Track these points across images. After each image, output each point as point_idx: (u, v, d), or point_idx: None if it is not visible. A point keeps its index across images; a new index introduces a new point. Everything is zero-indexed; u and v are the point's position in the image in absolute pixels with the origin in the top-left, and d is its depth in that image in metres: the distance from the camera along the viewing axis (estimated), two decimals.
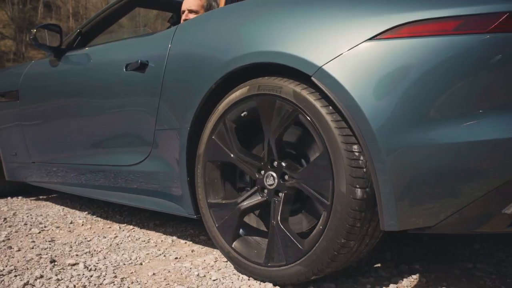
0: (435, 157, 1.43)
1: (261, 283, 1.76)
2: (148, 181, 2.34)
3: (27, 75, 3.24)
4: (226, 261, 2.03)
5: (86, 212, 3.01)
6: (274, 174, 1.75)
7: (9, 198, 3.57)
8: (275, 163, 1.75)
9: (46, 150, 3.05)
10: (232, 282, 1.78)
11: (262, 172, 1.79)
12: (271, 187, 1.76)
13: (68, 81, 2.88)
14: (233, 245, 1.84)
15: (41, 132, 3.05)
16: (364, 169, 1.50)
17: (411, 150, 1.44)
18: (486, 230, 1.53)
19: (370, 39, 1.50)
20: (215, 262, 2.03)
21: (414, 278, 1.83)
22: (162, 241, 2.39)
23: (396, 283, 1.78)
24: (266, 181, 1.77)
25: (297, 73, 1.63)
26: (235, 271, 1.90)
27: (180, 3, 2.91)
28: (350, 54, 1.52)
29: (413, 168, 1.44)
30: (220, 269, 1.94)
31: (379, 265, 1.99)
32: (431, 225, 1.48)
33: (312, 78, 1.57)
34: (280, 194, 1.73)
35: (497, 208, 1.43)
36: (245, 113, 1.83)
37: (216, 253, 2.15)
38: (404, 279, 1.82)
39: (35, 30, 3.03)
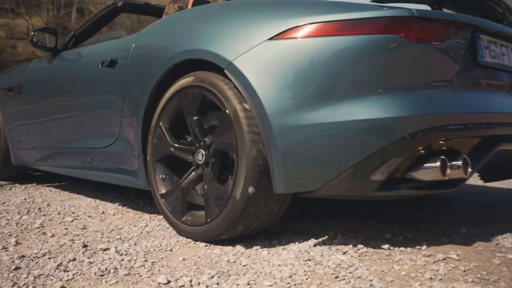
0: (313, 134, 1.83)
1: (292, 267, 1.74)
2: (116, 160, 2.76)
3: (29, 72, 3.75)
4: (257, 249, 2.01)
5: (117, 204, 3.05)
6: (203, 151, 2.16)
7: (43, 190, 3.63)
8: (201, 142, 2.17)
9: (42, 136, 3.49)
10: (263, 268, 1.76)
11: (195, 154, 2.20)
12: (201, 162, 2.16)
13: (59, 77, 3.40)
14: (182, 219, 2.22)
15: (38, 121, 3.51)
16: (260, 145, 1.91)
17: (295, 129, 1.84)
18: (359, 194, 1.90)
19: (269, 39, 1.92)
20: (245, 249, 2.01)
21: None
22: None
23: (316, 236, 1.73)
24: (197, 158, 2.18)
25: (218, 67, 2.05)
26: (265, 257, 1.88)
27: (162, 9, 3.58)
28: (253, 51, 1.95)
29: (297, 143, 1.84)
30: (250, 255, 1.92)
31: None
32: (314, 189, 1.88)
33: (225, 70, 2.01)
34: (209, 163, 2.12)
35: (365, 175, 1.81)
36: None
37: (246, 241, 2.14)
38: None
39: (33, 33, 3.57)
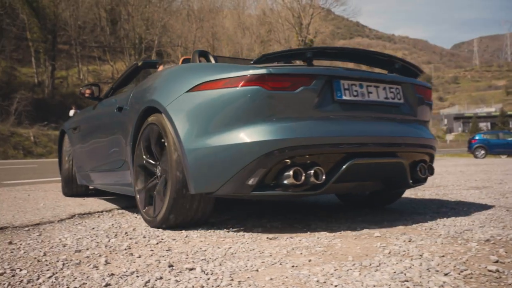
0: (209, 153, 2.69)
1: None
2: (123, 178, 3.74)
3: (85, 114, 5.12)
4: (347, 269, 1.90)
5: (200, 228, 3.04)
6: (159, 167, 3.14)
7: (128, 217, 3.73)
8: (159, 161, 3.15)
9: (89, 162, 4.66)
10: None
11: (156, 168, 3.19)
12: (158, 174, 3.14)
13: (96, 118, 4.65)
14: (143, 210, 3.25)
15: (86, 150, 4.74)
16: (181, 159, 2.80)
17: (198, 150, 2.72)
18: (242, 194, 2.70)
19: (186, 91, 2.85)
20: (335, 270, 1.90)
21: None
22: (276, 252, 2.31)
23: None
24: (157, 171, 3.17)
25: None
26: (357, 278, 1.76)
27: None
28: (177, 100, 2.88)
29: (199, 159, 2.72)
30: (341, 276, 1.81)
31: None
32: (213, 191, 2.74)
33: (162, 114, 2.99)
34: (162, 176, 3.05)
35: (243, 181, 2.63)
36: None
37: (336, 263, 2.02)
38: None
39: (81, 88, 4.79)
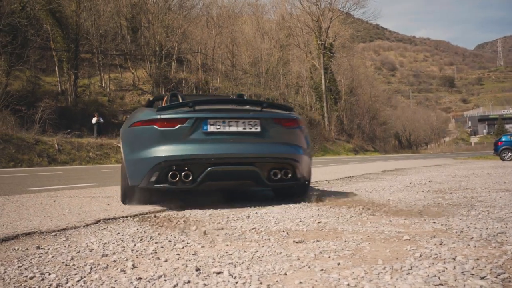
0: (134, 162, 4.38)
1: None
2: None
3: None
4: (378, 273, 1.85)
5: (225, 233, 3.02)
6: None
7: (152, 221, 3.74)
8: None
9: None
10: None
11: None
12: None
13: None
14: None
15: None
16: (124, 165, 4.61)
17: (130, 160, 4.43)
18: (150, 186, 4.30)
19: (129, 126, 4.59)
20: (365, 274, 1.86)
21: None
22: (304, 255, 2.27)
23: None
24: None
25: None
26: (389, 282, 1.71)
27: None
28: (126, 129, 4.72)
29: (130, 165, 4.42)
30: (372, 279, 1.77)
31: None
32: (137, 184, 4.36)
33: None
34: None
35: (149, 178, 4.26)
36: None
37: (365, 266, 1.98)
38: None
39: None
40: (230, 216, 3.78)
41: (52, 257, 2.40)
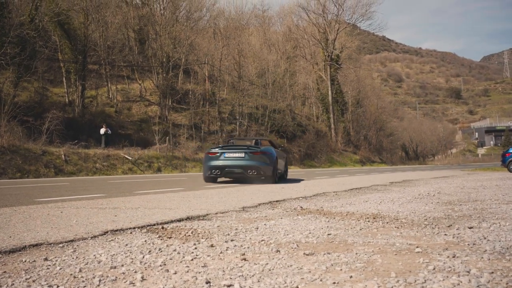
0: (204, 166, 12.05)
1: None
2: None
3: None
4: (391, 287, 1.81)
5: (234, 245, 2.99)
6: None
7: (160, 232, 3.72)
8: None
9: None
10: None
11: None
12: None
13: None
14: None
15: None
16: None
17: (204, 166, 12.11)
18: (210, 175, 11.71)
19: (205, 153, 12.65)
20: (378, 287, 1.82)
21: None
22: (315, 268, 2.24)
23: None
24: None
25: None
26: None
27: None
28: (205, 154, 12.73)
29: (203, 168, 12.11)
30: None
31: None
32: (206, 175, 11.81)
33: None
34: None
35: (208, 173, 11.99)
36: None
37: (378, 279, 1.94)
38: None
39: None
40: (238, 227, 3.75)
41: (60, 269, 2.38)
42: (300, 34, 53.39)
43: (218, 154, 11.16)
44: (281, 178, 13.12)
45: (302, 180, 13.66)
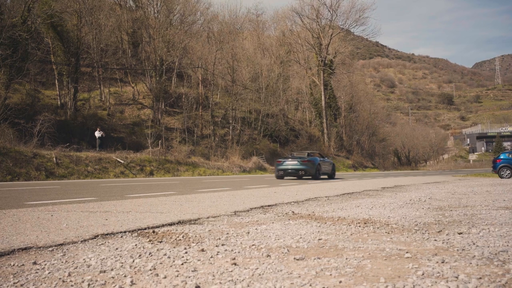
0: (276, 169, 20.43)
1: None
2: None
3: None
4: None
5: (224, 249, 2.99)
6: None
7: (151, 236, 3.71)
8: None
9: None
10: None
11: None
12: None
13: None
14: None
15: None
16: None
17: (275, 169, 20.75)
18: (278, 174, 20.13)
19: (276, 161, 21.95)
20: None
21: None
22: (305, 273, 2.25)
23: None
24: None
25: None
26: None
27: None
28: (276, 162, 21.25)
29: (275, 170, 20.65)
30: None
31: None
32: (276, 175, 20.30)
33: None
34: None
35: (277, 173, 20.52)
36: None
37: (368, 284, 1.95)
38: None
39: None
40: (230, 232, 3.75)
41: (49, 273, 2.37)
42: (294, 39, 53.55)
43: (282, 162, 18.98)
44: (330, 177, 21.30)
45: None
